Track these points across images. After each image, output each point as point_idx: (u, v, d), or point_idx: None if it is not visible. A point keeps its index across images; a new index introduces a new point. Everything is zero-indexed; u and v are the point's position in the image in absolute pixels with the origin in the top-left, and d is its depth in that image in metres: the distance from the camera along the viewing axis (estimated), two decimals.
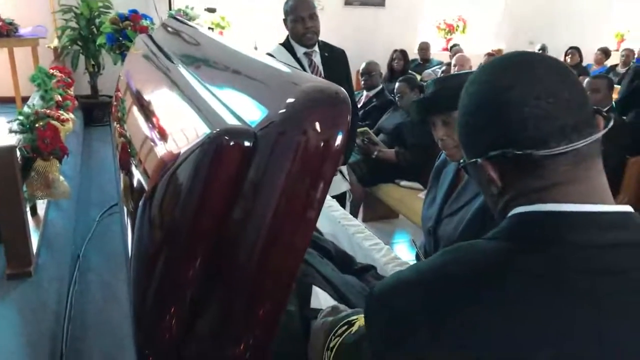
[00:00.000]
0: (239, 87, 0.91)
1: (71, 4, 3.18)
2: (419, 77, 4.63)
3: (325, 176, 0.69)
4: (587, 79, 3.51)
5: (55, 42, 3.37)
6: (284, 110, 0.69)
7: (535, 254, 0.61)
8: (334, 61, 2.56)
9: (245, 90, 0.88)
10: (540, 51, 5.44)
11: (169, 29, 1.82)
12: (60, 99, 1.81)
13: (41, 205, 1.49)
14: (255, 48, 4.44)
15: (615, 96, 3.68)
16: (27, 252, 1.19)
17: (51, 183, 1.32)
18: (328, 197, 2.03)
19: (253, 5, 4.83)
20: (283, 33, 2.59)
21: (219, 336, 0.77)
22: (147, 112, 1.17)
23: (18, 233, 1.16)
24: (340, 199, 2.72)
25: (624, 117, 3.33)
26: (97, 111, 3.05)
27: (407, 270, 0.70)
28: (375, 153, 3.36)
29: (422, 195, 2.60)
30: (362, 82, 3.94)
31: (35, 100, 1.91)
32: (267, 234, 0.69)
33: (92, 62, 3.16)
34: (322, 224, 1.85)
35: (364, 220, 3.51)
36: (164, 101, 1.12)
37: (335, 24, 4.90)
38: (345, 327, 0.90)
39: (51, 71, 2.18)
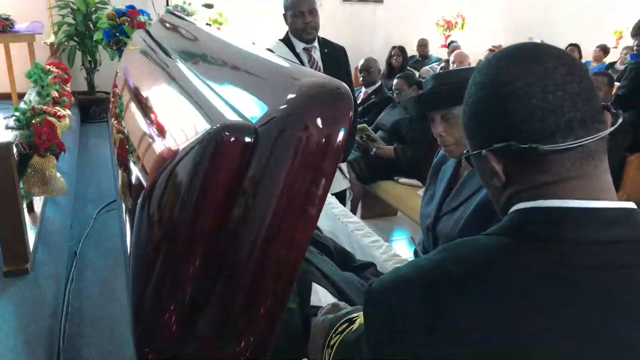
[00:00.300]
0: (238, 83, 0.90)
1: None
2: (417, 74, 4.61)
3: (326, 173, 0.68)
4: None
5: (52, 38, 3.36)
6: (285, 106, 0.68)
7: (537, 250, 0.60)
8: (334, 58, 2.55)
9: (245, 85, 0.87)
10: None
11: (167, 24, 1.80)
12: (56, 95, 1.80)
13: (38, 202, 1.49)
14: (253, 44, 4.42)
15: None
16: (23, 249, 1.18)
17: (48, 179, 1.32)
18: (327, 195, 2.02)
19: (251, 0, 4.81)
20: (280, 30, 2.58)
21: (219, 333, 0.77)
22: (145, 108, 1.16)
23: (15, 230, 1.16)
24: (340, 197, 2.71)
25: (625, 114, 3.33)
26: (93, 107, 3.05)
27: (406, 267, 0.69)
28: (374, 150, 3.35)
29: (420, 192, 2.59)
30: (361, 79, 3.93)
31: (31, 96, 1.90)
32: (267, 230, 0.69)
33: (89, 58, 3.16)
34: (321, 221, 1.85)
35: (363, 217, 3.50)
36: (163, 97, 1.11)
37: (333, 21, 4.89)
38: (346, 324, 0.90)
39: (47, 67, 2.16)
